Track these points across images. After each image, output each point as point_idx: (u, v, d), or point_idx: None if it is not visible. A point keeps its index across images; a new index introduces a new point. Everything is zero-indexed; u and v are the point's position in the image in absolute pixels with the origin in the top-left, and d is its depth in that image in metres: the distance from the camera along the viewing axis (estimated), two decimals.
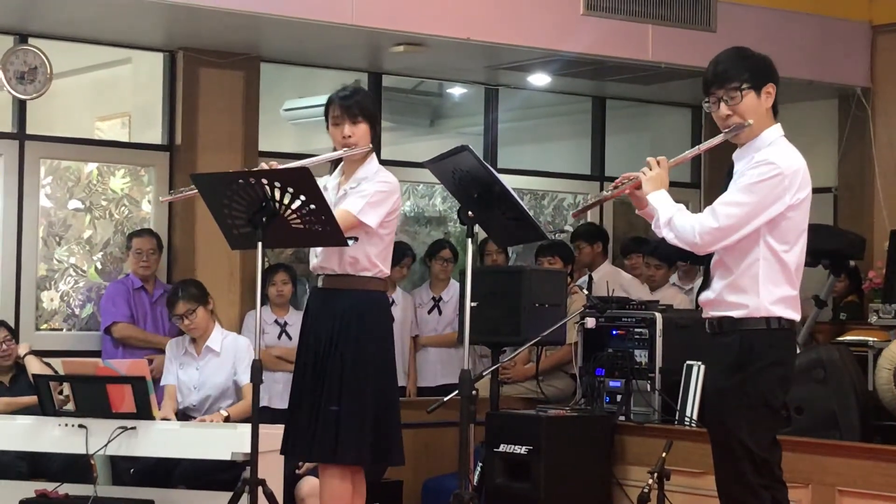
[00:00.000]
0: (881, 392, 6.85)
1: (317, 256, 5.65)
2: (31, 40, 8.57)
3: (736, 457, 4.76)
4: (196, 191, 5.44)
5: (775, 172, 4.71)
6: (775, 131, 4.86)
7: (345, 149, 5.61)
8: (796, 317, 4.82)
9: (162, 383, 7.49)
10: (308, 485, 6.98)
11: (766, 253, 4.76)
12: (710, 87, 4.87)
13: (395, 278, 9.16)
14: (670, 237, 4.86)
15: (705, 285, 4.97)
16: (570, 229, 10.61)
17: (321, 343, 5.58)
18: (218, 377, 7.37)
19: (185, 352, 7.48)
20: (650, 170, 4.92)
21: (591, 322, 7.25)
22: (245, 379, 7.21)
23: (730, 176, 4.90)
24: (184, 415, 7.38)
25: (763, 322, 4.76)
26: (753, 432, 4.75)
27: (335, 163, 5.76)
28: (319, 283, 5.70)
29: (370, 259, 5.56)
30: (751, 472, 4.74)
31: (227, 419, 7.09)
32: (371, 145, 5.66)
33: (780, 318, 4.76)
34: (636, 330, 7.18)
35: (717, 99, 4.85)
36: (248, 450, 5.40)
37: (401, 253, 8.93)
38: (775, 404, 4.82)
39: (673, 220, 4.83)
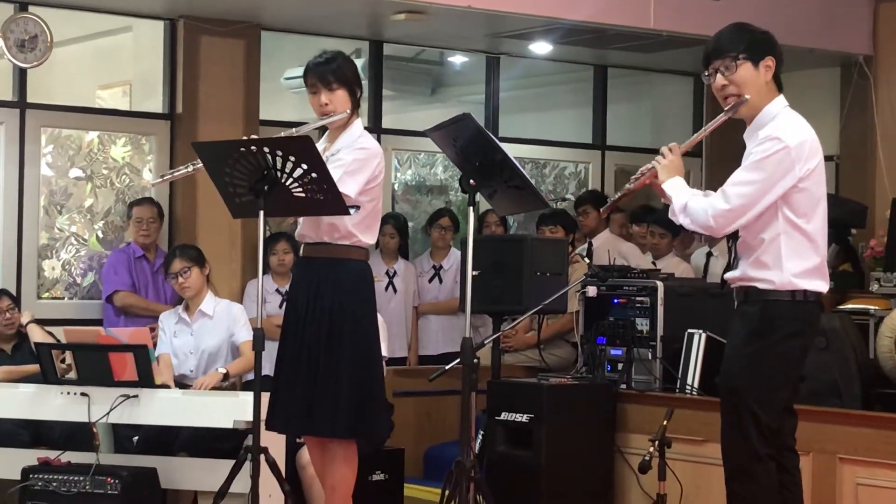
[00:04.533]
0: (882, 360, 6.84)
1: (300, 223, 5.58)
2: (31, 8, 8.54)
3: (744, 424, 4.81)
4: (181, 171, 5.49)
5: (780, 147, 4.75)
6: (778, 104, 4.90)
7: (323, 117, 5.50)
8: (823, 287, 4.88)
9: (157, 353, 7.47)
10: None
11: (785, 227, 4.81)
12: (709, 58, 4.94)
13: (392, 248, 9.17)
14: (686, 223, 4.91)
15: (732, 265, 5.00)
16: (572, 198, 10.60)
17: (298, 313, 5.49)
18: (212, 340, 7.38)
19: (178, 319, 7.48)
20: (664, 158, 4.96)
21: (592, 290, 7.25)
22: (242, 337, 7.33)
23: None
24: (181, 383, 7.38)
25: (787, 294, 4.81)
26: (764, 401, 4.80)
27: (322, 130, 5.65)
28: (301, 252, 5.64)
29: (347, 228, 5.43)
30: (757, 441, 4.80)
31: (225, 376, 7.12)
32: (349, 111, 5.50)
33: (805, 291, 4.81)
34: (637, 298, 7.17)
35: (715, 70, 4.90)
36: (250, 418, 5.42)
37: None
38: (791, 375, 4.88)
39: (688, 205, 4.88)
